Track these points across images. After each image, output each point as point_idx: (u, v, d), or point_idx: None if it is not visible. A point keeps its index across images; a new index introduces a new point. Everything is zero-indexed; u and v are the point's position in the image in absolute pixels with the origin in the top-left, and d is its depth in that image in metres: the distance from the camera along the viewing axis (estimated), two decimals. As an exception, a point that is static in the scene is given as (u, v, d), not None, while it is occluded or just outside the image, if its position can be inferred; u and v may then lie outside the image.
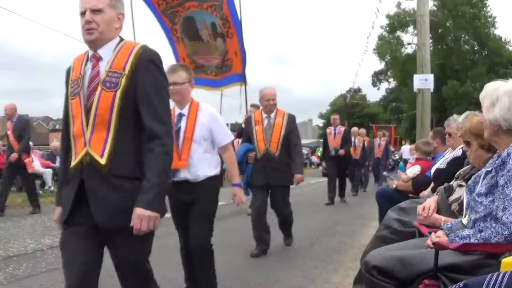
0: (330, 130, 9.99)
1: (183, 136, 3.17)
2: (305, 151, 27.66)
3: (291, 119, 5.09)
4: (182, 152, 3.17)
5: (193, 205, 3.24)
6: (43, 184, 11.26)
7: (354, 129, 12.36)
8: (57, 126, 54.08)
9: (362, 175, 12.74)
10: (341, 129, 9.92)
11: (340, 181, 10.08)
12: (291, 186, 5.27)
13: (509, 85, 2.03)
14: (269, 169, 4.92)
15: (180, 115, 3.22)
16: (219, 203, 3.61)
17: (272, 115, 5.02)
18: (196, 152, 3.17)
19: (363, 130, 13.10)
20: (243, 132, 6.08)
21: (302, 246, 5.48)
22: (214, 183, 3.29)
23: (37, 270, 4.28)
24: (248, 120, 5.42)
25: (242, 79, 8.67)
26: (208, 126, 3.19)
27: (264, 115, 5.05)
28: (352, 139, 11.25)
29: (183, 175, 3.18)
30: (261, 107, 5.39)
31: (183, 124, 3.21)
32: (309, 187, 14.07)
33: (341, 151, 9.60)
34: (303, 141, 14.18)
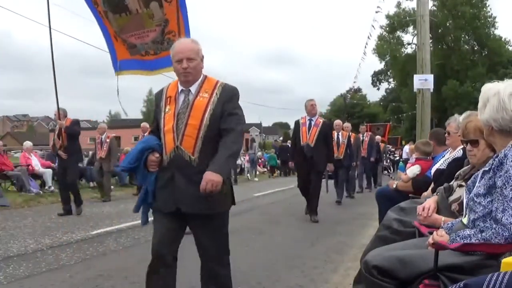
0: (304, 120, 7.60)
1: None
2: None
3: (228, 90, 2.79)
4: None
5: None
6: (43, 184, 11.26)
7: (337, 121, 10.39)
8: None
9: (348, 177, 10.69)
10: (320, 120, 7.62)
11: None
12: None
13: (500, 86, 2.05)
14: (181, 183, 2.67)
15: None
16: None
17: (193, 87, 2.77)
18: None
19: (348, 124, 11.15)
20: None
21: (302, 246, 5.48)
22: None
23: (37, 270, 4.28)
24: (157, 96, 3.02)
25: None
26: None
27: (180, 88, 2.81)
28: (335, 134, 9.64)
29: None
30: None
31: None
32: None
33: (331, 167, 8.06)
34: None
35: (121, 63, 6.20)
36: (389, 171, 22.18)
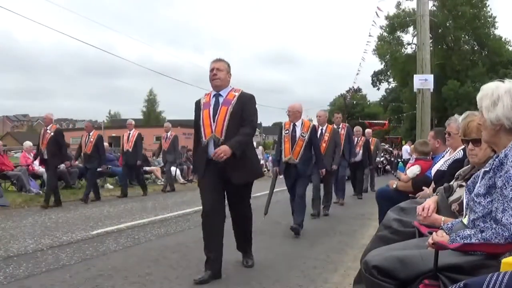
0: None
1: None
2: None
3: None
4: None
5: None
6: (43, 184, 11.26)
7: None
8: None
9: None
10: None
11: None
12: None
13: (508, 84, 2.04)
14: None
15: None
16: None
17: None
18: None
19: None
20: None
21: (302, 246, 5.48)
22: None
23: (37, 270, 4.28)
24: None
25: None
26: None
27: None
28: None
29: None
30: None
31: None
32: (309, 186, 14.04)
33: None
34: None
35: None
36: (379, 173, 19.47)
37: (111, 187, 12.70)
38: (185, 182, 14.76)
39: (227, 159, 3.82)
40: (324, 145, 8.00)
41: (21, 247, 5.25)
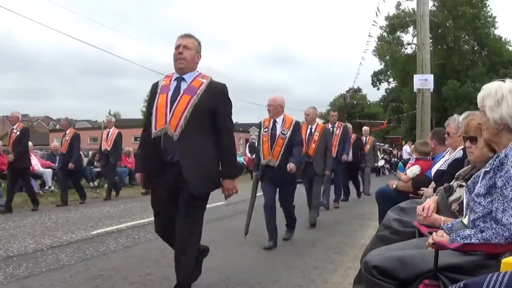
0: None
1: None
2: None
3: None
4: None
5: None
6: (43, 184, 11.25)
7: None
8: (57, 126, 54.04)
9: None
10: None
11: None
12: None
13: (510, 84, 2.05)
14: None
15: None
16: (219, 203, 3.62)
17: None
18: None
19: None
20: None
21: (302, 246, 5.48)
22: None
23: (37, 270, 4.28)
24: None
25: None
26: None
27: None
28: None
29: None
30: None
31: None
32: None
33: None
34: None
35: None
36: (378, 174, 19.30)
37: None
38: None
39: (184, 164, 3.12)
40: (313, 146, 7.02)
41: (21, 247, 5.25)
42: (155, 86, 3.39)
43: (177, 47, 3.26)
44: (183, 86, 3.26)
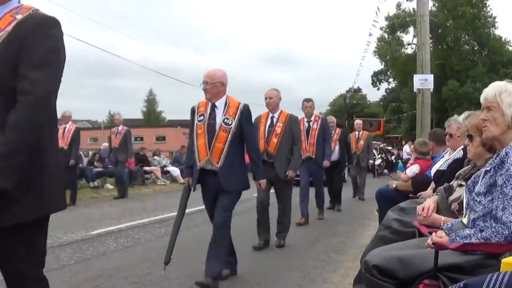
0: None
1: None
2: None
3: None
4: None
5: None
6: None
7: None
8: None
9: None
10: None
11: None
12: None
13: None
14: None
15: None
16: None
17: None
18: None
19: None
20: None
21: (302, 246, 5.48)
22: None
23: (37, 270, 4.28)
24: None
25: None
26: None
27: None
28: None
29: None
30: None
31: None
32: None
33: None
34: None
35: None
36: (375, 175, 18.07)
37: (111, 187, 12.69)
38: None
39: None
40: (275, 140, 5.37)
41: (21, 247, 5.24)
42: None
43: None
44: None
